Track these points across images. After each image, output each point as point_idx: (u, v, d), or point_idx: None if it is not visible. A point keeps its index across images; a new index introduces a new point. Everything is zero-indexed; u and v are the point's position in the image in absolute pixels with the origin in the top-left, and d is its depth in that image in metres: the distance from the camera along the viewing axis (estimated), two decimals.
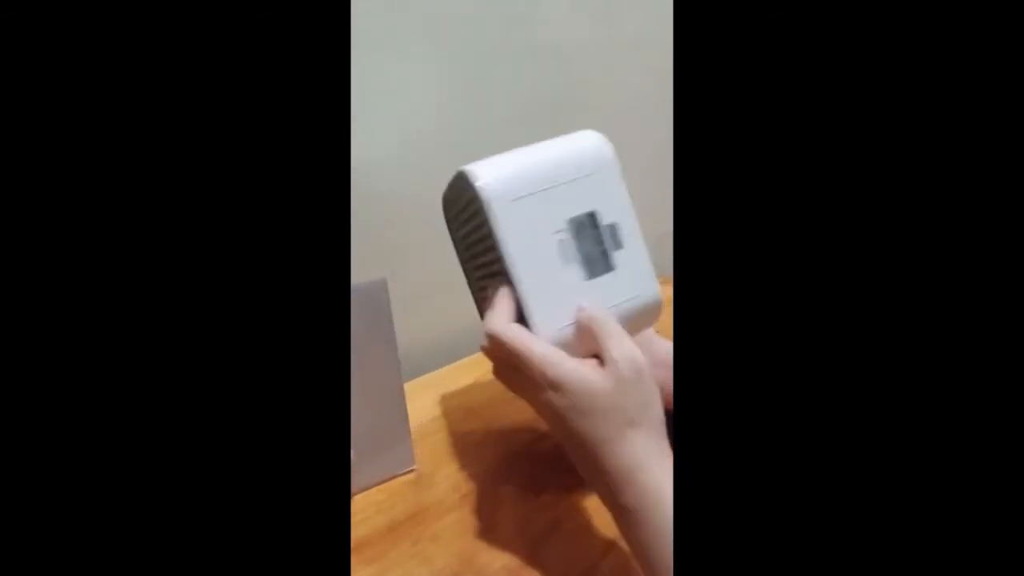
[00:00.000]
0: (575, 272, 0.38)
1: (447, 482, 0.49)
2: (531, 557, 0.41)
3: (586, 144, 0.40)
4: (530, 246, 0.37)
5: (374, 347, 0.43)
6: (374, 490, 0.48)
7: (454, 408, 0.60)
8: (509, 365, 0.36)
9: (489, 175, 0.38)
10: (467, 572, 0.40)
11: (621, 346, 0.34)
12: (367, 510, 0.46)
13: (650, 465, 0.33)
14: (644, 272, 0.39)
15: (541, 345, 0.34)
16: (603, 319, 0.36)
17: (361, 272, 0.39)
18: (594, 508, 0.42)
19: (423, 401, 0.60)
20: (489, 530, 0.43)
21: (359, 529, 0.44)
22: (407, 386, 0.48)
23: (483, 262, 0.40)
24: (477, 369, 0.64)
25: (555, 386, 0.33)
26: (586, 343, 0.36)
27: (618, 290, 0.38)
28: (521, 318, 0.37)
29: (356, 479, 0.47)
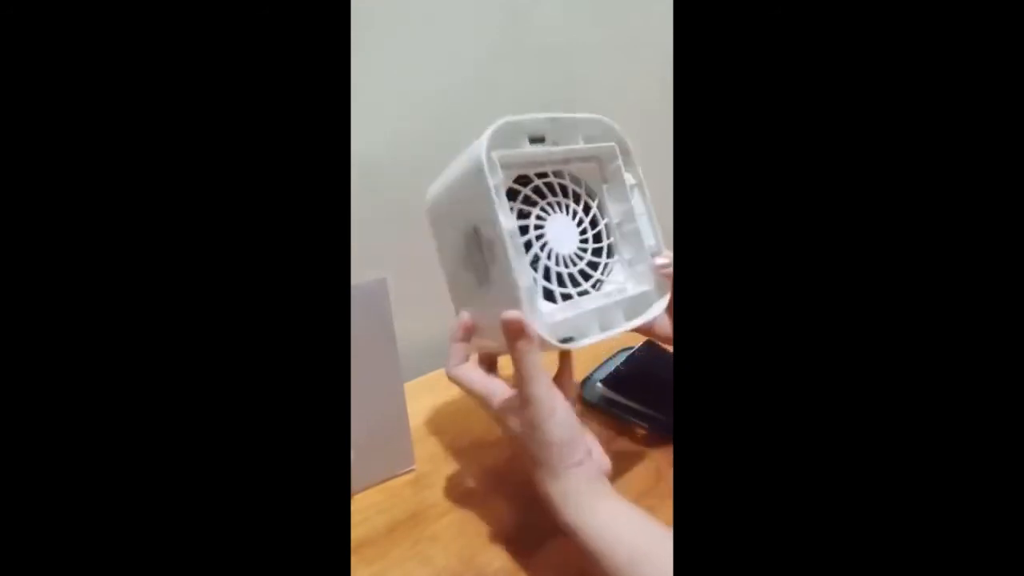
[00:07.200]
0: (472, 282, 0.40)
1: (447, 482, 0.49)
2: (531, 557, 0.41)
3: (473, 149, 0.37)
4: (449, 255, 0.42)
5: (374, 347, 0.43)
6: (374, 490, 0.48)
7: (454, 408, 0.60)
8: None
9: (432, 186, 0.43)
10: (467, 572, 0.40)
11: (533, 388, 0.35)
12: (367, 510, 0.46)
13: (561, 506, 0.35)
14: (511, 291, 0.36)
15: (481, 383, 0.39)
16: (523, 356, 0.35)
17: (361, 272, 0.39)
18: None
19: (423, 401, 0.60)
20: (489, 530, 0.43)
21: (359, 529, 0.44)
22: (407, 386, 0.48)
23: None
24: None
25: (495, 419, 0.38)
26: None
27: (495, 307, 0.36)
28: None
29: (356, 479, 0.47)
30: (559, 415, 0.35)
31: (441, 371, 0.68)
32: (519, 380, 0.36)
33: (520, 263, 0.36)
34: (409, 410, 0.48)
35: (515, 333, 0.35)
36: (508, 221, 0.36)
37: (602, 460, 0.37)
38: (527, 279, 0.36)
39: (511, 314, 0.35)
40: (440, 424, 0.57)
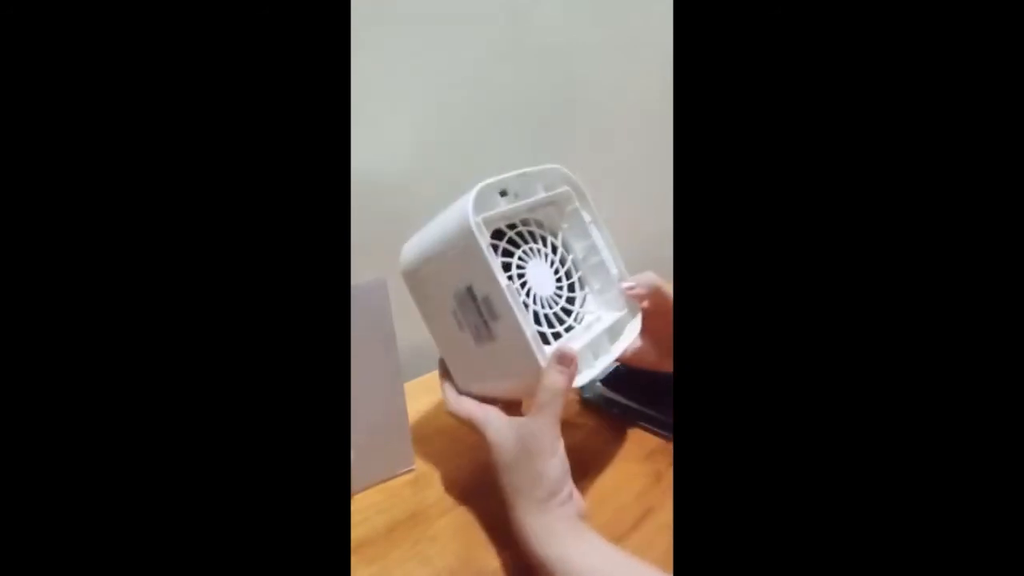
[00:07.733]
0: (469, 339, 0.41)
1: (447, 482, 0.49)
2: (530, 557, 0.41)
3: (457, 214, 0.39)
4: (437, 314, 0.42)
5: (374, 347, 0.43)
6: (374, 490, 0.48)
7: None
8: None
9: (405, 249, 0.44)
10: (467, 572, 0.40)
11: (551, 424, 0.37)
12: (367, 510, 0.46)
13: (541, 539, 0.36)
14: (520, 342, 0.38)
15: (477, 411, 0.41)
16: (559, 392, 0.37)
17: (361, 272, 0.39)
18: (591, 508, 0.42)
19: (423, 401, 0.60)
20: (489, 530, 0.43)
21: (359, 529, 0.44)
22: (407, 386, 0.48)
23: None
24: None
25: (486, 443, 0.40)
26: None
27: (501, 359, 0.40)
28: None
29: (356, 479, 0.47)
30: (560, 454, 0.38)
31: None
32: (541, 412, 0.37)
33: (524, 314, 0.38)
34: (409, 410, 0.48)
35: (568, 362, 0.37)
36: (504, 278, 0.38)
37: (581, 504, 0.39)
38: (533, 328, 0.39)
39: (568, 347, 0.38)
40: (440, 424, 0.57)
